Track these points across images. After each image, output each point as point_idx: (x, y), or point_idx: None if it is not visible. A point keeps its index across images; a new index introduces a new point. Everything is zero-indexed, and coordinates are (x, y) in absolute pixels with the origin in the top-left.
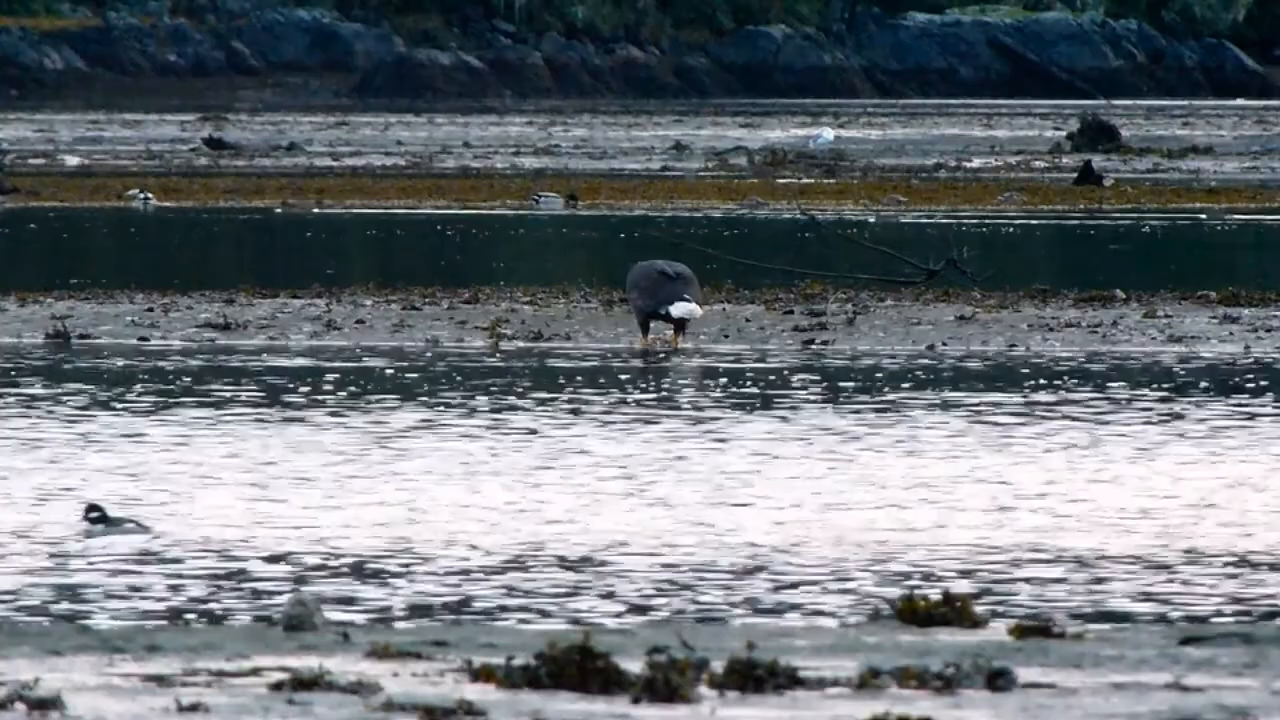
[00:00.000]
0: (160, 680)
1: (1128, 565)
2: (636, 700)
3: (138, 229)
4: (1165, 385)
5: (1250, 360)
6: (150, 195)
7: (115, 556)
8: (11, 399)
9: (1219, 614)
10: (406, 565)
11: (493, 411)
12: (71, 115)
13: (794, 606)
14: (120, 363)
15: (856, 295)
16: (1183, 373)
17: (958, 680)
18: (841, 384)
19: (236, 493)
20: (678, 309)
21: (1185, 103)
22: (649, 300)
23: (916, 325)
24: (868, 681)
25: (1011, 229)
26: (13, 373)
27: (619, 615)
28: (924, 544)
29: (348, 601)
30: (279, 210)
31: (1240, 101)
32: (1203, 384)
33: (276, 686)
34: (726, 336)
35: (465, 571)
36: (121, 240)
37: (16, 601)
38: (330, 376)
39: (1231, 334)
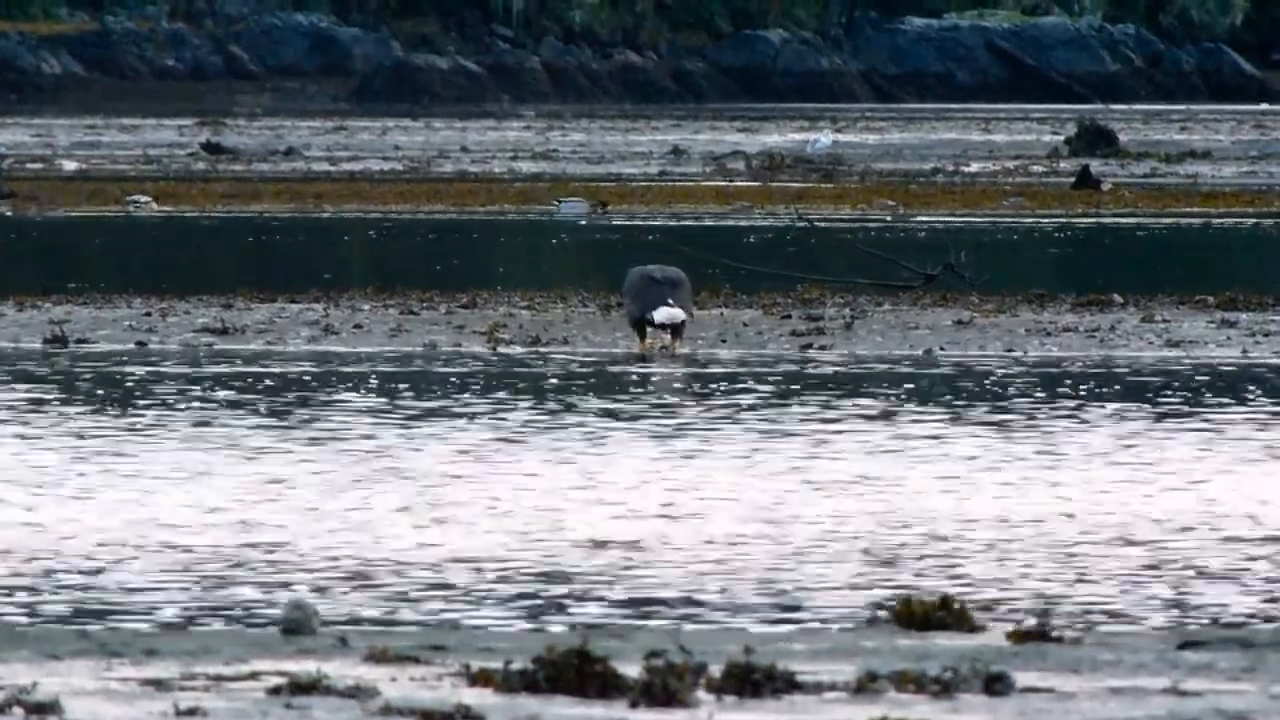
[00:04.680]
0: (158, 684)
1: (1128, 569)
2: (634, 704)
3: (135, 233)
4: (1165, 388)
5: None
6: (149, 199)
7: (111, 559)
8: (10, 401)
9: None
10: (403, 570)
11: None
12: (69, 120)
13: (792, 609)
14: (117, 367)
15: (854, 299)
16: (1180, 376)
17: (955, 684)
18: (839, 386)
19: (231, 496)
20: (660, 314)
21: (1183, 107)
22: (637, 305)
23: (914, 329)
24: (865, 685)
25: (1009, 233)
26: (10, 376)
27: (616, 618)
28: (923, 547)
29: (344, 609)
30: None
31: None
32: (1199, 387)
33: (275, 690)
34: (724, 340)
35: (468, 574)
36: (119, 244)
37: (15, 605)
38: (327, 380)
39: (1229, 338)
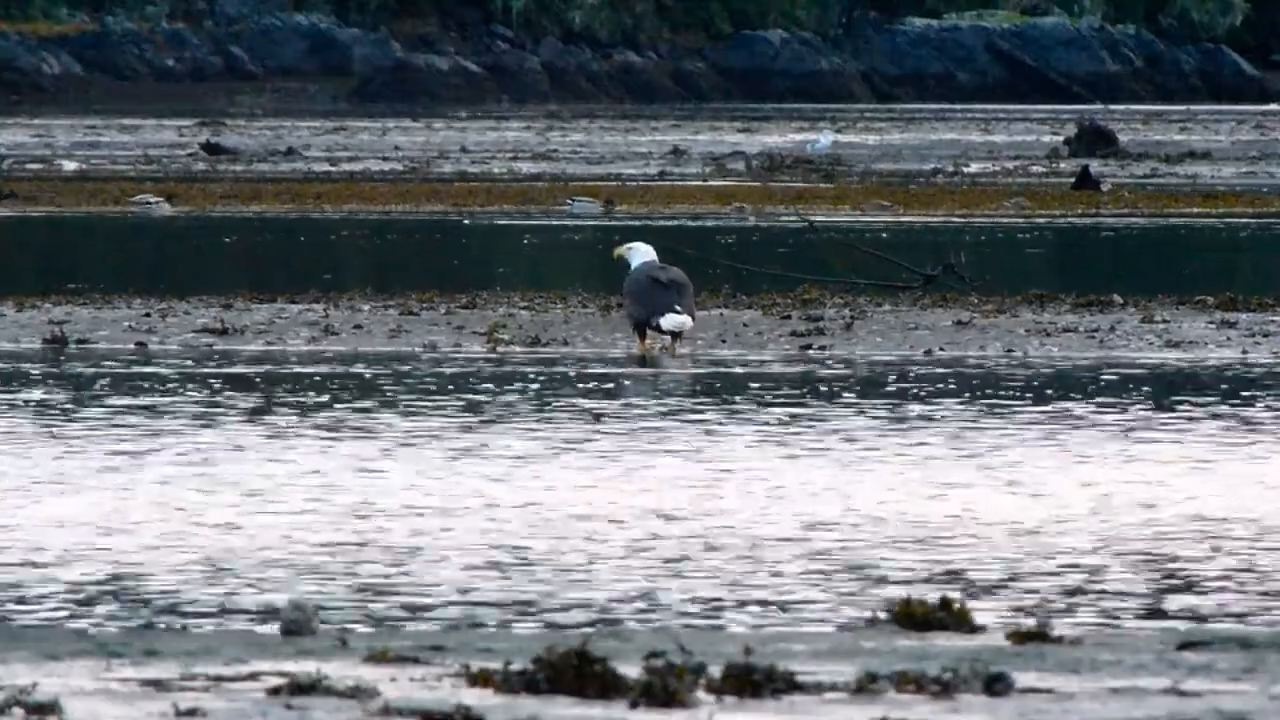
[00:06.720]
0: (158, 685)
1: (1127, 569)
2: (634, 705)
3: (136, 234)
4: (1163, 390)
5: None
6: (160, 199)
7: (110, 560)
8: (9, 402)
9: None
10: (400, 570)
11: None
12: (69, 120)
13: (792, 611)
14: (117, 367)
15: (854, 300)
16: (1180, 378)
17: (955, 685)
18: (841, 388)
19: (227, 498)
20: (667, 321)
21: (1183, 108)
22: (640, 309)
23: (914, 330)
24: (865, 686)
25: (1009, 234)
26: (9, 376)
27: (613, 619)
28: (923, 548)
29: (343, 607)
30: None
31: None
32: (1199, 388)
33: (274, 691)
34: (724, 341)
35: (469, 571)
36: (119, 245)
37: (14, 605)
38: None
39: (1229, 339)
